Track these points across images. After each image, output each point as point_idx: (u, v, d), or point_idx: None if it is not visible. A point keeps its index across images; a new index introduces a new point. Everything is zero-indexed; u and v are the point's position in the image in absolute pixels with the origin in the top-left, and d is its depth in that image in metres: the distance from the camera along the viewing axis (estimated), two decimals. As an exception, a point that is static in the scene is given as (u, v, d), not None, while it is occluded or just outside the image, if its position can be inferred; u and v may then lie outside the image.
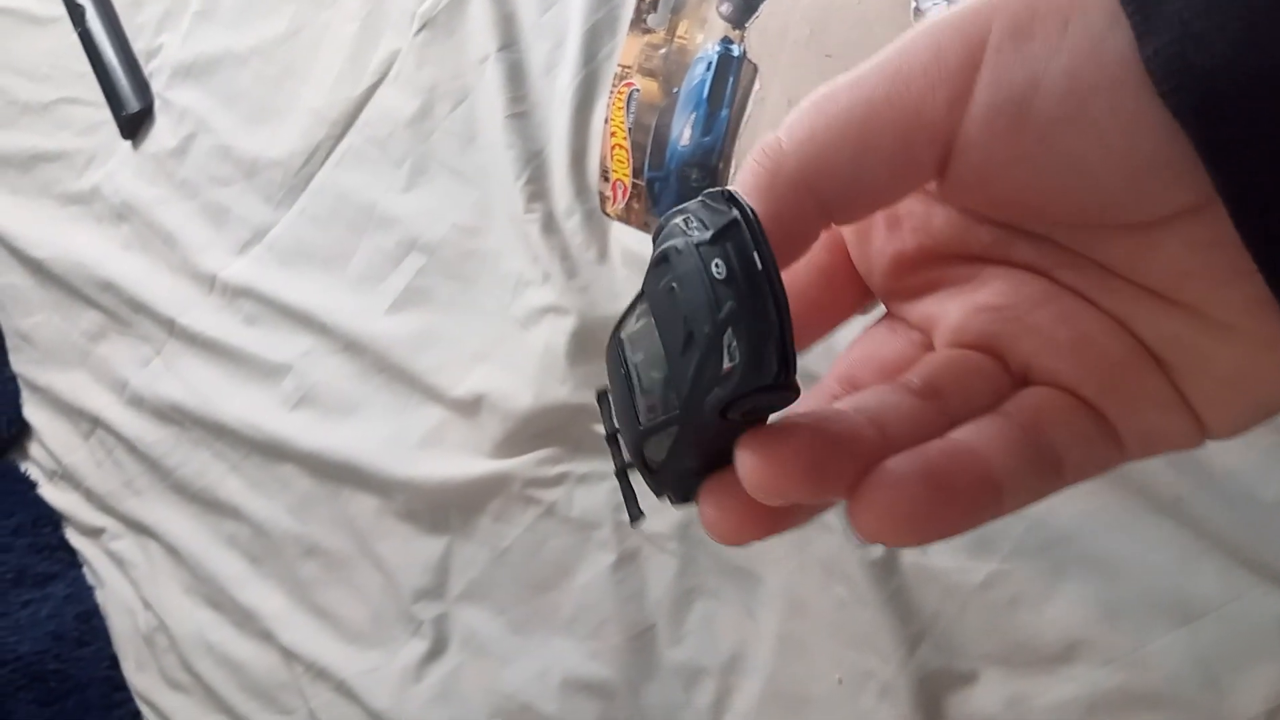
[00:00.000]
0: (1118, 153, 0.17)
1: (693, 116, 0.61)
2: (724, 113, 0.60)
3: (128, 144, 0.98)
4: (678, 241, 0.18)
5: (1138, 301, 0.19)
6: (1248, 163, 0.16)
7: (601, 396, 0.23)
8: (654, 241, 0.20)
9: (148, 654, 0.91)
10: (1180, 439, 0.20)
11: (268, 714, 0.82)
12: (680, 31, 0.62)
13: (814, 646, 0.57)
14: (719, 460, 0.19)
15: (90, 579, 0.98)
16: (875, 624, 0.54)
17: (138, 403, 0.95)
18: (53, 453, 1.03)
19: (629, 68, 0.65)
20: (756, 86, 0.59)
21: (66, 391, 1.01)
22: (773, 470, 0.17)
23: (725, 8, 0.60)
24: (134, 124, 0.96)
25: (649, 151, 0.63)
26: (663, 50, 0.63)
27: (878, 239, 0.22)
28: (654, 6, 0.64)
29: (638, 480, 0.22)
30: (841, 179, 0.19)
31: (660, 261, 0.19)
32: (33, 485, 1.03)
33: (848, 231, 0.23)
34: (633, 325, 0.21)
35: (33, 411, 1.06)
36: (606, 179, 0.66)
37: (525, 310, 0.70)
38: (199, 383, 0.90)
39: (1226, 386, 0.19)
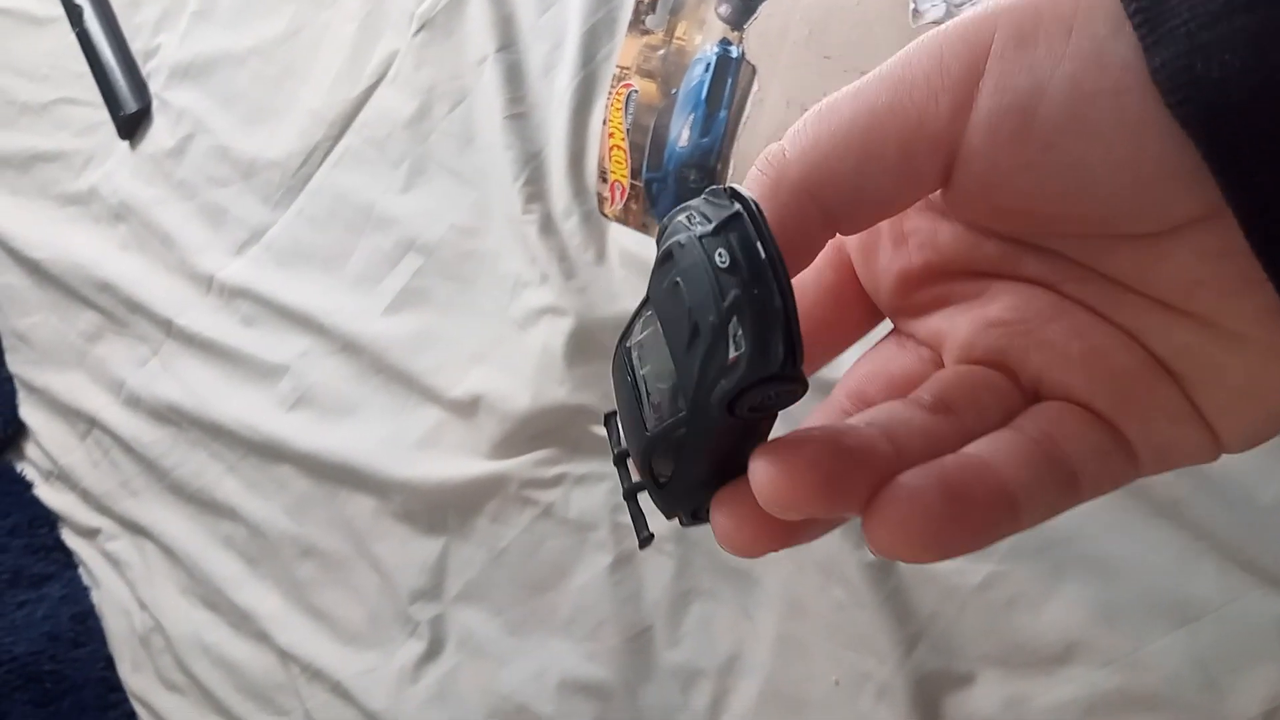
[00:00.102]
0: (1122, 160, 0.17)
1: (691, 118, 0.61)
2: (722, 114, 0.60)
3: (125, 144, 0.98)
4: (681, 237, 0.18)
5: (1148, 313, 0.19)
6: (1257, 172, 0.16)
7: (609, 419, 0.23)
8: (658, 241, 0.19)
9: (143, 655, 0.91)
10: (1195, 451, 0.20)
11: (264, 715, 0.82)
12: (679, 33, 0.62)
13: (811, 648, 0.57)
14: (728, 470, 0.19)
15: (86, 580, 0.97)
16: (873, 625, 0.54)
17: (134, 403, 0.95)
18: (49, 453, 1.02)
19: (627, 69, 0.64)
20: (755, 88, 0.59)
21: (63, 392, 1.01)
22: (787, 483, 0.17)
23: (724, 9, 0.60)
24: (132, 124, 0.96)
25: (647, 152, 0.63)
26: (661, 51, 0.63)
27: (884, 256, 0.22)
28: (652, 8, 0.64)
29: (646, 502, 0.22)
30: (845, 188, 0.19)
31: (664, 259, 0.19)
32: (29, 486, 1.03)
33: (854, 250, 0.23)
34: (639, 334, 0.20)
35: (29, 412, 1.05)
36: (605, 180, 0.66)
37: (523, 311, 0.70)
38: (196, 383, 0.89)
39: (1239, 397, 0.19)
